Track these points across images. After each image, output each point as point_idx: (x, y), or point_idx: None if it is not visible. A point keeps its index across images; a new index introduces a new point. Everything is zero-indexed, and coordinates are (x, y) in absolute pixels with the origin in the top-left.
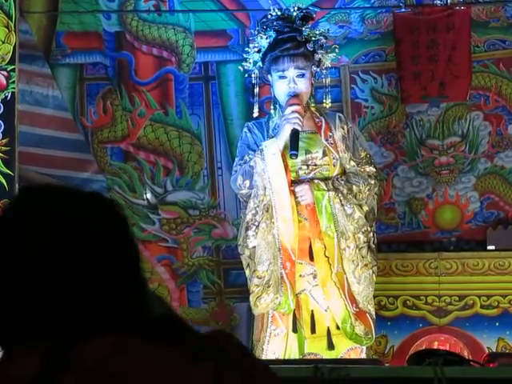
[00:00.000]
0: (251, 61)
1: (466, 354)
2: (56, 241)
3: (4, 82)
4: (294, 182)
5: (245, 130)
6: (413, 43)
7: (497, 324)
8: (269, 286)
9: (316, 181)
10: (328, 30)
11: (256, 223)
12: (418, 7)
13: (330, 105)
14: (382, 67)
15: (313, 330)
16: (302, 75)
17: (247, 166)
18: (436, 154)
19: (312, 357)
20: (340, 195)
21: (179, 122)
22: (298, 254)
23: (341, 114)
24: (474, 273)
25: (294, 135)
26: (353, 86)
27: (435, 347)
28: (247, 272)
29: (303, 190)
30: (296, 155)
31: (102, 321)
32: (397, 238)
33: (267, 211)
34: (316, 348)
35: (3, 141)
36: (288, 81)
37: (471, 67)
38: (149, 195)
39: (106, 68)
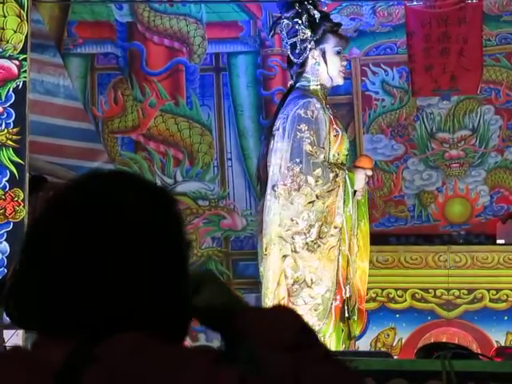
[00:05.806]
0: (306, 30)
1: (474, 347)
2: (102, 231)
3: (16, 71)
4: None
5: (314, 109)
6: (424, 36)
7: (505, 318)
8: (316, 310)
9: None
10: None
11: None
12: (429, 0)
13: None
14: (393, 60)
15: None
16: None
17: (330, 174)
18: (446, 148)
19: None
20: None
21: (190, 113)
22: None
23: None
24: (483, 266)
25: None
26: (363, 78)
27: (444, 340)
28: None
29: (364, 179)
30: None
31: (135, 317)
32: (406, 230)
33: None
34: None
35: (14, 130)
36: (341, 58)
37: (482, 61)
38: None
39: (118, 58)
